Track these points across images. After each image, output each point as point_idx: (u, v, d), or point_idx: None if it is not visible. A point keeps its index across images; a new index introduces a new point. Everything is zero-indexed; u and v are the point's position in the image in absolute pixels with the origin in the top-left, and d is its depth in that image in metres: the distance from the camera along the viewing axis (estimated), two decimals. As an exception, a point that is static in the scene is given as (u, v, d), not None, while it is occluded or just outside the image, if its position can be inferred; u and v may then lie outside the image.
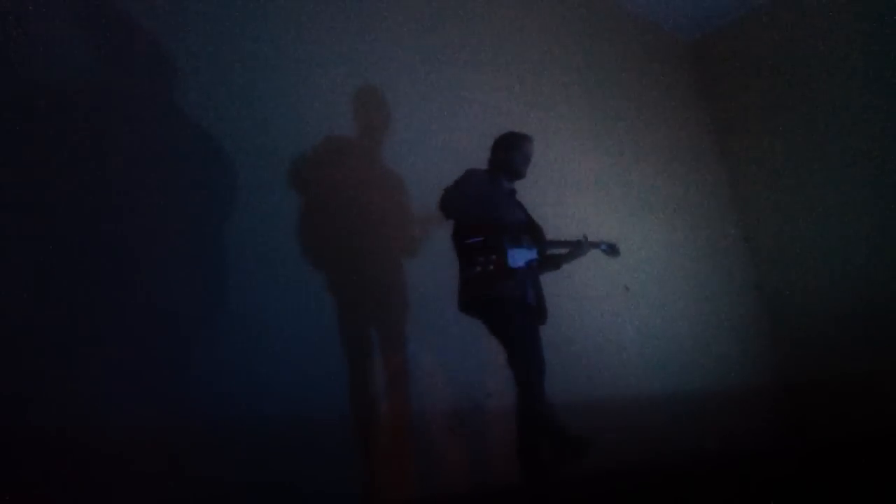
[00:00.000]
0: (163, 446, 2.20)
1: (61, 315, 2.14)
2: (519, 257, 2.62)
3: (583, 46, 4.98)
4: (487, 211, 2.64)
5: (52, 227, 2.20)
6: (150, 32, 2.63)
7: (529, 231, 2.76)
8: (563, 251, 2.90)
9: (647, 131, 5.26)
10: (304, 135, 3.02)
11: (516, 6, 4.50)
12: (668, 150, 5.41)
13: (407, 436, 2.98)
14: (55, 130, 2.28)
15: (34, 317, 2.09)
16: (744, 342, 5.27)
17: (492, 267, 2.54)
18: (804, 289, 5.31)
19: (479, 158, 3.85)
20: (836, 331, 4.97)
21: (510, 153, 2.81)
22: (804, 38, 5.44)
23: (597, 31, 5.19)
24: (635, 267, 4.60)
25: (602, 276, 4.32)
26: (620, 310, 4.35)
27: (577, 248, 2.90)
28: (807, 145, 5.39)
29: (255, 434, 2.43)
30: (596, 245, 3.01)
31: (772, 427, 4.99)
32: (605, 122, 4.89)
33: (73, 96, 2.36)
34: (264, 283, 2.69)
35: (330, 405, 2.74)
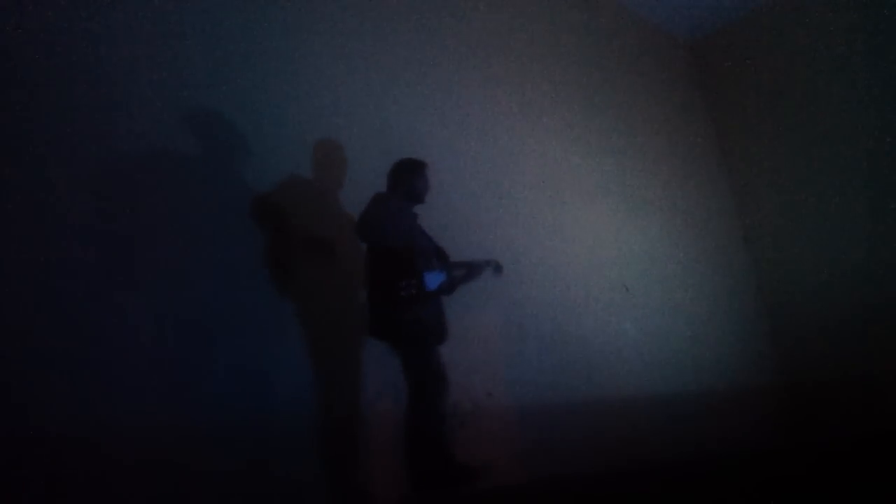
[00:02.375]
0: (163, 446, 2.20)
1: (62, 315, 2.14)
2: (433, 280, 2.70)
3: (582, 46, 4.98)
4: (402, 236, 2.70)
5: (52, 226, 2.21)
6: (151, 32, 2.64)
7: (437, 254, 2.85)
8: (462, 272, 2.96)
9: (647, 131, 5.26)
10: (305, 134, 3.02)
11: (516, 6, 4.50)
12: (668, 150, 5.41)
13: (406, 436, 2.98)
14: (56, 130, 2.28)
15: (34, 316, 2.09)
16: (744, 342, 5.27)
17: (413, 291, 2.61)
18: (804, 289, 5.31)
19: (480, 158, 3.87)
20: (836, 331, 4.97)
21: (413, 179, 2.86)
22: (804, 38, 5.44)
23: (596, 32, 5.19)
24: (635, 267, 4.60)
25: (602, 276, 4.32)
26: (620, 310, 4.35)
27: (476, 269, 2.96)
28: (807, 145, 5.40)
29: (254, 434, 2.43)
30: (489, 265, 3.06)
31: (772, 427, 4.99)
32: (604, 123, 4.89)
33: (73, 96, 2.36)
34: (265, 283, 2.70)
35: (330, 405, 2.74)
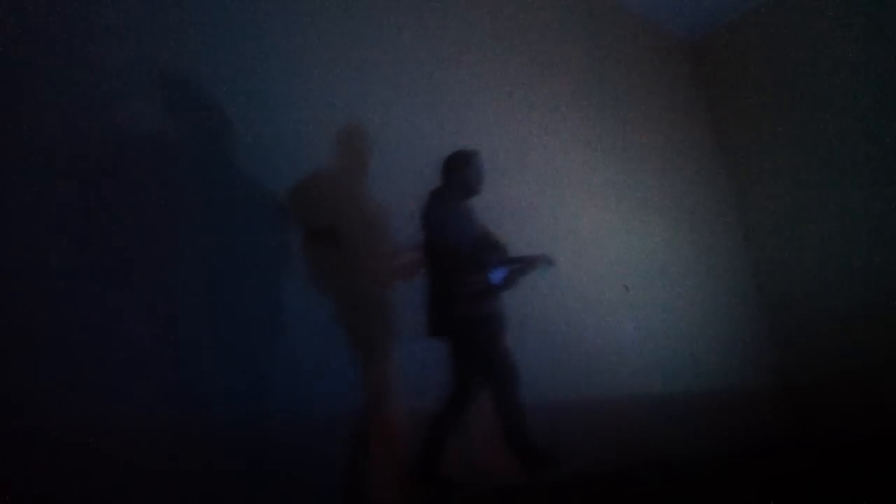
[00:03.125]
0: (163, 446, 2.20)
1: (62, 315, 2.14)
2: (496, 275, 2.72)
3: (583, 46, 4.98)
4: (461, 233, 2.72)
5: (53, 226, 2.20)
6: (152, 31, 2.64)
7: (494, 249, 2.85)
8: (518, 266, 2.95)
9: (648, 131, 5.26)
10: (306, 134, 3.02)
11: (516, 6, 4.50)
12: (668, 150, 5.41)
13: (407, 436, 2.98)
14: (56, 130, 2.28)
15: (35, 316, 2.09)
16: (744, 342, 5.27)
17: (478, 286, 2.63)
18: (804, 289, 5.31)
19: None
20: (836, 331, 4.97)
21: (464, 172, 2.86)
22: (804, 38, 5.44)
23: (597, 31, 5.19)
24: (635, 267, 4.60)
25: (602, 276, 4.32)
26: (620, 310, 4.35)
27: (530, 264, 2.94)
28: (807, 145, 5.39)
29: (255, 434, 2.43)
30: (543, 259, 3.04)
31: (772, 427, 4.99)
32: (604, 123, 4.89)
33: (74, 95, 2.36)
34: (265, 283, 2.69)
35: (330, 405, 2.74)
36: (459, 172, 2.85)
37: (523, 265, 2.92)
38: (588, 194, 4.49)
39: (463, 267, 2.65)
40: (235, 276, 2.61)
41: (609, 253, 4.45)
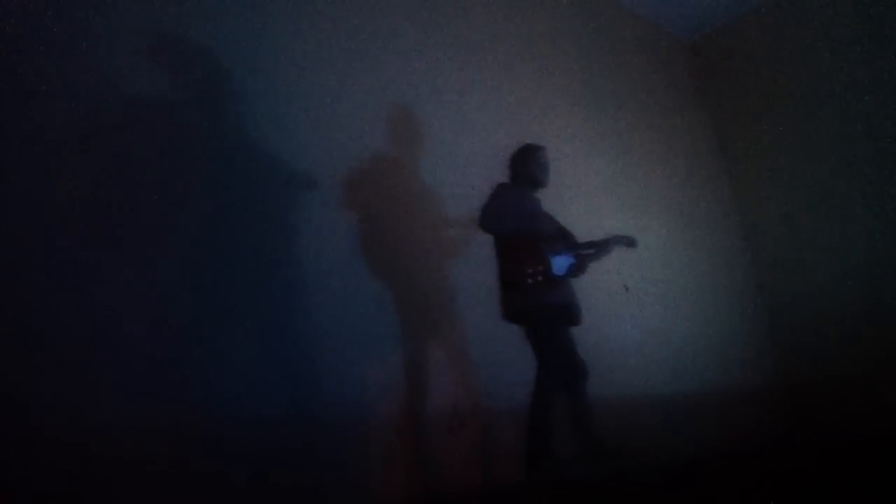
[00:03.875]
0: (163, 447, 2.20)
1: (63, 315, 2.14)
2: (561, 265, 2.78)
3: (583, 46, 4.98)
4: (525, 223, 2.80)
5: (54, 225, 2.21)
6: (153, 31, 2.63)
7: (562, 237, 2.92)
8: (590, 252, 3.01)
9: (647, 131, 5.26)
10: (306, 134, 3.02)
11: (515, 6, 4.50)
12: (668, 150, 5.41)
13: (407, 436, 2.98)
14: (58, 129, 2.28)
15: (35, 316, 2.09)
16: (744, 342, 5.27)
17: (540, 277, 2.69)
18: (804, 289, 5.31)
19: (479, 158, 3.85)
20: (837, 331, 4.97)
21: (528, 165, 2.96)
22: (804, 38, 5.44)
23: (596, 32, 5.19)
24: (635, 267, 4.59)
25: (602, 276, 4.32)
26: (620, 310, 4.35)
27: (603, 247, 3.01)
28: (807, 145, 5.39)
29: (255, 434, 2.43)
30: (618, 241, 3.09)
31: (772, 427, 4.99)
32: (604, 123, 4.89)
33: (75, 95, 2.36)
34: (265, 283, 2.69)
35: (330, 405, 2.74)
36: (525, 166, 2.96)
37: (598, 249, 2.99)
38: (587, 194, 4.48)
39: (523, 257, 2.72)
40: (238, 277, 2.61)
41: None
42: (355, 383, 2.86)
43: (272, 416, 2.53)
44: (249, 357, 2.56)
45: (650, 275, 4.69)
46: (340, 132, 3.12)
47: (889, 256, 4.81)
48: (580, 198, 4.41)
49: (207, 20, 2.80)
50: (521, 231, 2.78)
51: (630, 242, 3.14)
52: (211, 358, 2.44)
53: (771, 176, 5.65)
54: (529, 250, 2.75)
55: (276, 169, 2.86)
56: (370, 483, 2.78)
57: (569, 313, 2.84)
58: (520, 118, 4.18)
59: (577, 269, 2.86)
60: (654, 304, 4.61)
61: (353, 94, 3.26)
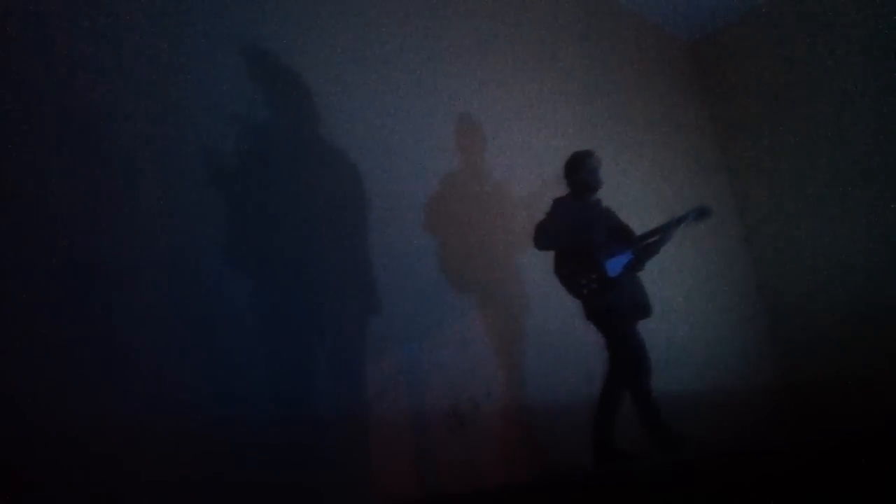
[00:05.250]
0: (163, 447, 2.19)
1: (63, 315, 2.14)
2: (615, 265, 2.87)
3: (582, 47, 4.97)
4: (575, 234, 2.91)
5: (54, 225, 2.20)
6: (154, 31, 2.63)
7: (619, 235, 3.02)
8: (655, 238, 3.08)
9: (647, 132, 5.25)
10: (307, 134, 3.02)
11: (515, 6, 4.50)
12: (668, 150, 5.41)
13: (406, 436, 2.98)
14: (57, 130, 2.28)
15: (36, 316, 2.09)
16: (744, 342, 5.27)
17: (595, 285, 2.83)
18: (804, 289, 5.31)
19: (479, 158, 3.86)
20: (836, 330, 4.97)
21: (579, 173, 3.09)
22: (804, 38, 5.44)
23: (596, 32, 5.18)
24: (635, 267, 4.59)
25: (602, 276, 4.31)
26: (620, 310, 4.34)
27: (667, 230, 3.08)
28: (807, 145, 5.39)
29: (255, 434, 2.43)
30: (684, 219, 3.13)
31: (772, 426, 4.99)
32: (604, 123, 4.89)
33: (75, 95, 2.36)
34: (266, 283, 2.69)
35: (329, 405, 2.74)
36: (577, 174, 3.10)
37: (662, 235, 3.05)
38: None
39: (577, 269, 2.87)
40: (237, 277, 2.61)
41: (609, 253, 4.44)
42: (355, 383, 2.86)
43: (271, 416, 2.53)
44: (249, 357, 2.56)
45: (651, 275, 4.68)
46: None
47: (889, 256, 4.81)
48: (580, 198, 4.40)
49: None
50: (574, 244, 2.89)
51: (701, 213, 3.18)
52: (211, 358, 2.44)
53: (771, 176, 5.65)
54: (582, 260, 2.86)
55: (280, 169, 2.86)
56: (370, 483, 2.78)
57: (633, 310, 2.97)
58: (519, 118, 4.18)
59: (635, 264, 2.97)
60: (654, 304, 4.60)
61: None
